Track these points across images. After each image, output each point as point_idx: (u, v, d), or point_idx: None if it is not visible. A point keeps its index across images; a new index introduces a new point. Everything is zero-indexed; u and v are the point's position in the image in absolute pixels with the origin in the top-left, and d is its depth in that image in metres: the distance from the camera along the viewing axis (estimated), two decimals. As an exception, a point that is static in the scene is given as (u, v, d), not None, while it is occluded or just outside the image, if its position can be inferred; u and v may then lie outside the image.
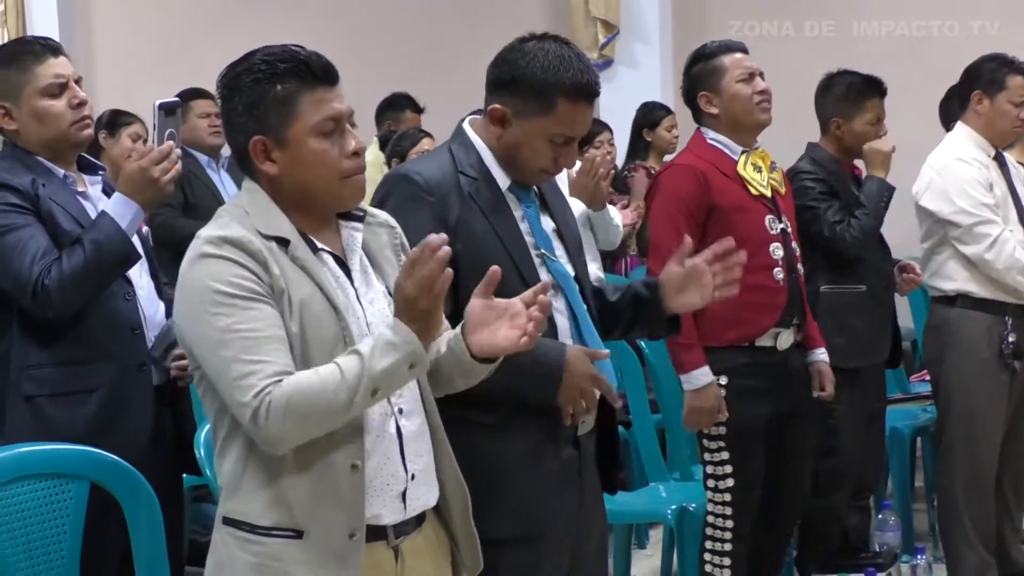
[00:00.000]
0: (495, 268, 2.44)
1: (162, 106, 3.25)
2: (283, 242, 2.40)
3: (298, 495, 2.37)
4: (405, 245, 2.61)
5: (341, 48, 10.05)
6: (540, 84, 2.88)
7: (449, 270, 2.29)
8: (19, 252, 3.16)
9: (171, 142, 3.24)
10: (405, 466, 2.47)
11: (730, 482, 4.14)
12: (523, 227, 2.97)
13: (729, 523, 4.17)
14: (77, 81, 3.36)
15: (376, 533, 2.45)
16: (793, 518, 4.48)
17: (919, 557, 4.38)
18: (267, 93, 2.39)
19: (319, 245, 2.46)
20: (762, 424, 4.16)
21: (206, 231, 2.40)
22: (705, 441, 4.17)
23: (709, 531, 4.20)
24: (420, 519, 2.54)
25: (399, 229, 2.64)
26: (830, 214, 4.68)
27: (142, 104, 7.02)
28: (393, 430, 2.46)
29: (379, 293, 2.51)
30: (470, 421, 2.85)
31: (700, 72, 4.21)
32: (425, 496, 2.53)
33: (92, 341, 3.25)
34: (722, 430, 4.12)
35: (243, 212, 2.43)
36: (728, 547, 4.18)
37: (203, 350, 2.35)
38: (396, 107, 7.68)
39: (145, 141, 6.21)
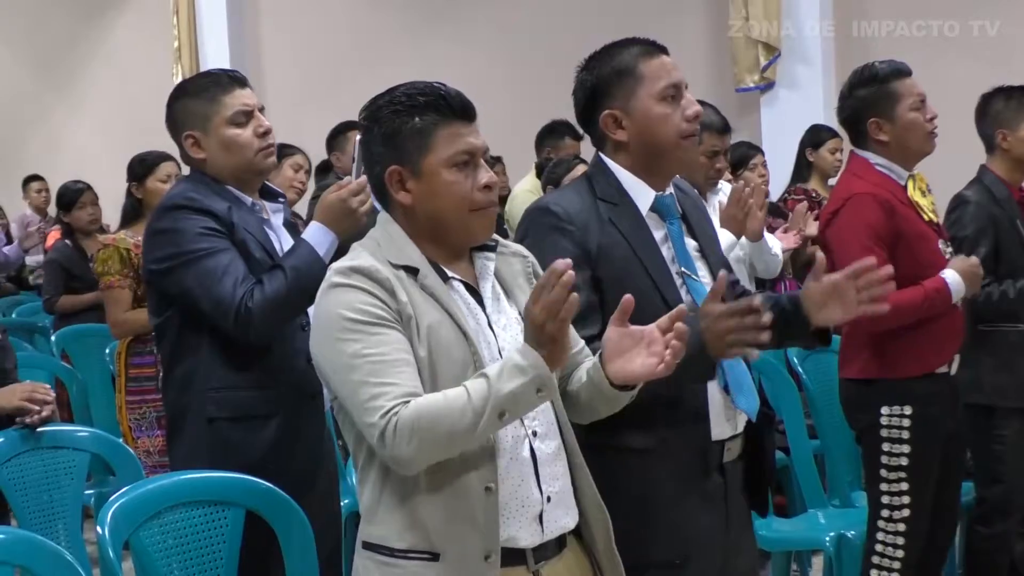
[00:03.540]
0: (628, 297, 2.46)
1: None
2: (412, 271, 2.47)
3: (433, 518, 2.42)
4: (539, 273, 2.65)
5: (504, 78, 10.18)
6: (617, 68, 2.98)
7: (575, 295, 2.30)
8: (221, 275, 3.22)
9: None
10: (540, 488, 2.50)
11: (906, 512, 4.07)
12: (665, 248, 2.99)
13: (900, 552, 4.09)
14: (261, 110, 3.44)
15: (516, 557, 2.48)
16: (950, 536, 4.42)
17: (1091, 587, 4.25)
18: (405, 124, 2.48)
19: (450, 273, 2.52)
20: (940, 452, 4.10)
21: (338, 263, 2.49)
22: (883, 472, 4.09)
23: (876, 559, 4.13)
24: (560, 543, 2.56)
25: (532, 258, 2.69)
26: None
27: (309, 136, 7.22)
28: (527, 453, 2.49)
29: (512, 319, 2.56)
30: (619, 447, 2.88)
31: (871, 97, 4.10)
32: (563, 519, 2.55)
33: (272, 368, 3.31)
34: (903, 461, 4.05)
35: (375, 244, 2.51)
36: (896, 576, 4.13)
37: (335, 376, 2.42)
38: (556, 134, 7.71)
39: (307, 172, 6.40)
